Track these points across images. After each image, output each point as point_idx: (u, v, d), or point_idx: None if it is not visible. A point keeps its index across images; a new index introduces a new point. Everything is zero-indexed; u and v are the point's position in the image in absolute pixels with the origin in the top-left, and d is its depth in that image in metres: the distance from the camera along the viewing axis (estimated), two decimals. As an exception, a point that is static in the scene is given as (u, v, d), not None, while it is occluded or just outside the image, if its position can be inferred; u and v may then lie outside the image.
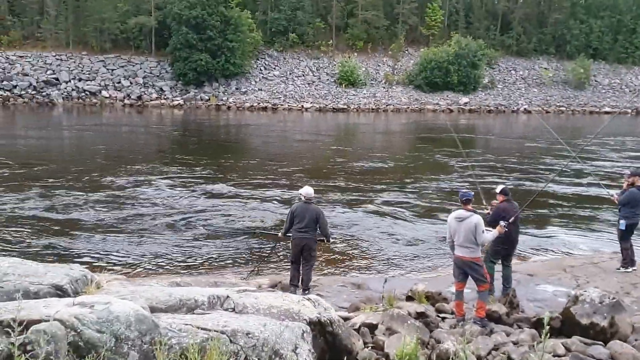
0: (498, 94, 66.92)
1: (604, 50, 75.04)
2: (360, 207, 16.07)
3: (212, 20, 56.89)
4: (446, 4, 75.37)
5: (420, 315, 7.83)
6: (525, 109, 63.68)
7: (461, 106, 61.77)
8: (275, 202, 16.24)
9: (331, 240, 9.36)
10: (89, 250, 11.35)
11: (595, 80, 72.27)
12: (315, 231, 8.75)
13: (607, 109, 65.88)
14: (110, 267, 10.33)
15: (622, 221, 9.84)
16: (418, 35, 72.68)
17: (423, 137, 37.53)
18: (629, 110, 66.30)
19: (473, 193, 7.97)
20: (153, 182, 18.32)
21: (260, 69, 63.14)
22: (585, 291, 7.79)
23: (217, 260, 11.12)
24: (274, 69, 63.76)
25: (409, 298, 9.04)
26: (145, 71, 58.18)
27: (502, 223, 8.11)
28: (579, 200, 17.82)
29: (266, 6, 68.06)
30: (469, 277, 7.82)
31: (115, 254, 11.21)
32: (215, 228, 13.33)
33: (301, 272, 8.82)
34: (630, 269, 9.98)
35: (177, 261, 10.97)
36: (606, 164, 25.59)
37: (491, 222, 8.34)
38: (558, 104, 66.47)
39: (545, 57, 74.78)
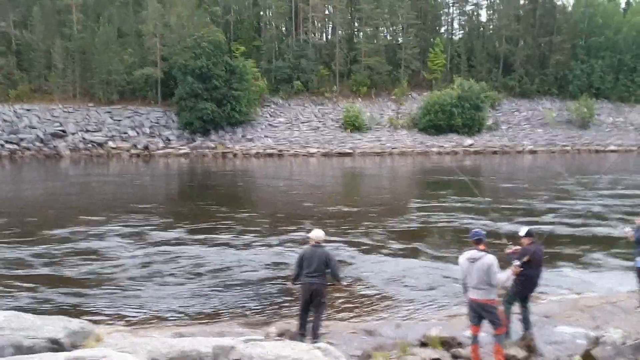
0: (502, 134, 67.08)
1: (606, 89, 75.50)
2: (369, 250, 15.82)
3: (217, 70, 57.80)
4: (448, 48, 76.43)
5: (435, 363, 7.53)
6: (530, 149, 63.71)
7: (466, 148, 61.86)
8: (283, 248, 16.00)
9: (344, 282, 9.06)
10: (90, 301, 11.09)
11: (599, 119, 72.45)
12: (325, 276, 8.46)
13: (612, 147, 65.85)
14: (112, 319, 10.05)
15: (638, 259, 9.54)
16: (421, 79, 73.49)
17: (431, 180, 37.46)
18: (634, 148, 66.21)
19: (485, 232, 7.74)
20: (156, 231, 18.12)
21: (266, 116, 63.74)
22: (607, 332, 7.48)
23: (224, 309, 10.83)
24: (280, 115, 64.37)
25: (423, 344, 8.72)
26: (151, 121, 58.78)
27: (515, 262, 7.85)
28: (589, 239, 17.48)
29: (270, 55, 69.27)
30: (485, 320, 7.53)
31: (118, 305, 10.94)
32: (222, 276, 13.06)
33: (310, 319, 8.52)
34: (650, 309, 9.64)
35: (182, 311, 10.67)
36: (617, 202, 25.30)
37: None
38: (563, 144, 66.49)
39: (548, 97, 75.25)
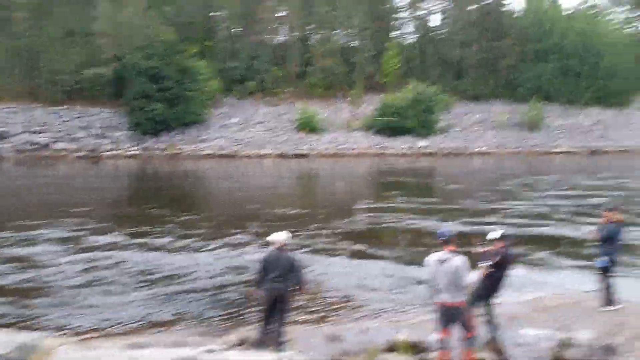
0: (455, 136, 67.96)
1: (554, 92, 77.45)
2: (320, 252, 15.48)
3: (169, 70, 56.58)
4: (402, 51, 77.01)
5: (405, 369, 7.21)
6: (482, 151, 64.77)
7: (420, 150, 62.40)
8: (229, 251, 15.48)
9: (308, 288, 8.67)
10: (33, 312, 10.35)
11: (548, 122, 74.23)
12: (290, 280, 8.06)
13: (560, 149, 67.65)
14: (59, 330, 9.36)
15: (602, 259, 9.49)
16: (375, 82, 73.79)
17: (385, 181, 37.52)
18: (582, 150, 68.18)
19: (452, 231, 7.49)
20: (97, 235, 17.26)
21: (219, 117, 62.75)
22: (577, 334, 7.32)
23: (178, 317, 10.29)
24: (233, 116, 63.46)
25: (390, 349, 8.42)
26: (100, 122, 56.96)
27: (485, 264, 7.62)
28: (535, 239, 17.58)
29: (224, 55, 68.25)
30: (454, 323, 7.26)
31: (63, 315, 10.25)
32: (171, 283, 12.46)
33: (273, 326, 8.09)
34: (613, 308, 9.59)
35: (132, 320, 10.07)
36: (560, 202, 25.78)
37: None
38: (513, 146, 67.86)
39: (499, 100, 76.67)
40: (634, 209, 22.65)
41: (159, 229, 18.47)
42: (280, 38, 78.39)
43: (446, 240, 7.16)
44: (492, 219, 20.69)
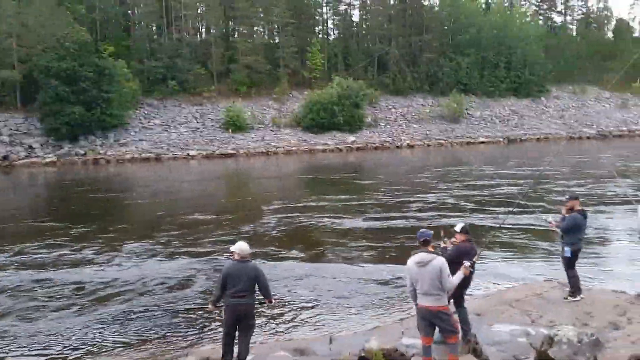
0: (382, 131, 68.56)
1: (472, 85, 79.78)
2: (284, 258, 14.80)
3: (84, 72, 53.64)
4: (325, 47, 77.08)
5: (385, 381, 6.62)
6: (408, 144, 65.64)
7: (349, 145, 62.44)
8: (185, 263, 14.51)
9: (274, 301, 7.90)
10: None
11: (469, 114, 76.30)
12: (254, 294, 7.30)
13: (482, 139, 69.59)
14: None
15: (566, 248, 9.28)
16: (300, 78, 73.42)
17: (312, 178, 37.05)
18: (501, 140, 70.45)
19: (432, 232, 6.98)
20: (31, 253, 15.79)
21: (140, 119, 60.37)
22: (559, 330, 6.98)
23: (131, 340, 9.30)
24: (155, 117, 61.25)
25: (362, 359, 7.83)
26: (11, 128, 53.40)
27: (466, 263, 7.15)
28: (499, 230, 17.62)
29: (142, 55, 65.82)
30: (436, 328, 6.75)
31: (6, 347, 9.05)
32: (118, 301, 11.38)
33: (237, 344, 7.30)
34: (578, 298, 9.42)
35: (82, 343, 9.04)
36: (470, 192, 26.18)
37: (450, 263, 7.31)
38: (437, 138, 69.16)
39: (421, 94, 78.18)
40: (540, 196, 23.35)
41: (58, 243, 17.10)
42: (202, 36, 76.81)
43: (426, 241, 6.63)
44: (400, 212, 20.74)
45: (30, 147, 52.46)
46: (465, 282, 7.85)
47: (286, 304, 10.97)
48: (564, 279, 10.00)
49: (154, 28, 73.83)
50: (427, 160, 48.78)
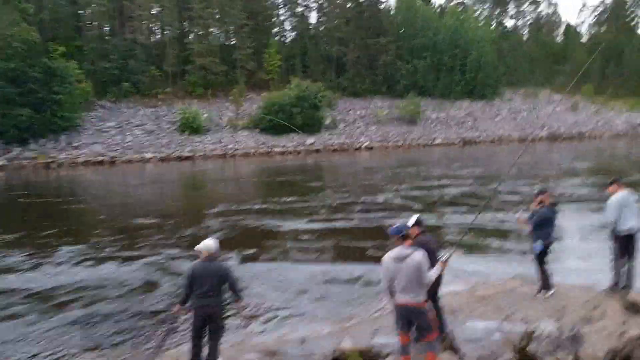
0: (341, 133, 68.61)
1: (429, 87, 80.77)
2: (250, 258, 14.45)
3: (33, 72, 51.80)
4: (282, 49, 76.76)
5: (362, 383, 6.38)
6: (366, 146, 65.90)
7: (307, 147, 62.28)
8: (144, 265, 13.98)
9: (244, 298, 7.57)
10: None
11: (425, 116, 77.14)
12: (222, 294, 6.95)
13: (438, 141, 70.49)
14: None
15: (537, 243, 9.23)
16: (258, 79, 72.85)
17: (266, 181, 36.57)
18: (457, 142, 71.49)
19: (408, 226, 6.78)
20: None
21: (93, 121, 58.69)
22: (539, 325, 6.89)
23: (97, 345, 8.83)
24: (109, 120, 59.65)
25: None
26: (-47, 131, 51.25)
27: (443, 257, 6.98)
28: (469, 229, 17.66)
29: (95, 56, 64.08)
30: (414, 326, 6.55)
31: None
32: (82, 307, 10.81)
33: (205, 347, 6.96)
34: (549, 293, 9.39)
35: (43, 350, 8.51)
36: (427, 192, 26.39)
37: None
38: (395, 140, 69.68)
39: (378, 96, 78.66)
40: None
41: (52, 245, 16.40)
42: (156, 37, 75.49)
43: (404, 236, 6.42)
44: (344, 213, 20.64)
45: (-24, 150, 50.43)
46: (439, 278, 7.68)
47: (253, 304, 10.64)
48: (533, 276, 9.97)
49: (106, 29, 72.13)
50: (383, 162, 48.89)
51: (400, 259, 6.29)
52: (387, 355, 7.39)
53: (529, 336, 6.68)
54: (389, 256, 6.41)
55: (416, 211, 20.32)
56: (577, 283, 10.46)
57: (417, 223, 7.40)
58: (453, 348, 7.42)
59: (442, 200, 23.72)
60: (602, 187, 12.89)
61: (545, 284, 9.39)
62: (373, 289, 11.47)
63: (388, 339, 8.12)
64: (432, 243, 7.42)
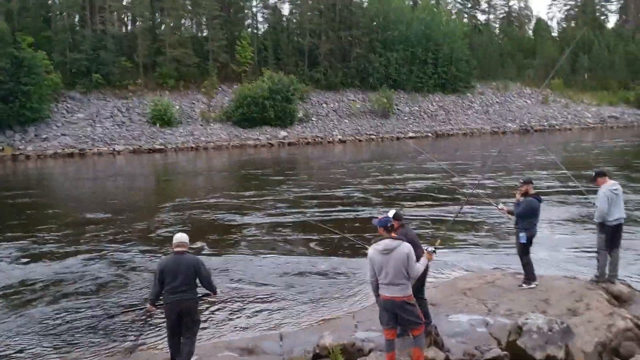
0: (314, 126, 68.38)
1: (402, 80, 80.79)
2: (221, 249, 14.14)
3: (1, 63, 50.56)
4: (255, 41, 76.03)
5: (347, 380, 6.17)
6: (339, 139, 65.78)
7: (281, 140, 61.94)
8: (113, 261, 13.59)
9: (218, 292, 7.33)
10: None
11: (398, 109, 77.27)
12: (195, 288, 6.74)
13: (411, 134, 70.69)
14: None
15: (522, 234, 9.13)
16: (230, 72, 72.06)
17: (232, 174, 36.16)
18: (429, 134, 71.81)
19: (391, 217, 6.60)
20: None
21: (63, 113, 57.55)
22: (528, 318, 6.78)
23: (64, 345, 8.46)
24: (78, 111, 58.54)
25: (317, 356, 7.36)
26: None
27: (429, 248, 6.81)
28: (434, 218, 17.61)
29: (64, 47, 62.68)
30: (399, 320, 6.37)
31: None
32: (46, 305, 10.38)
33: (181, 344, 6.70)
34: (533, 285, 9.31)
35: (5, 349, 8.13)
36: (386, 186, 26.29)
37: None
38: (368, 133, 69.74)
39: (351, 89, 78.46)
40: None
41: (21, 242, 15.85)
42: (127, 28, 74.14)
43: (390, 227, 6.24)
44: (299, 208, 20.47)
45: (-60, 142, 49.02)
46: (425, 270, 7.51)
47: (227, 298, 10.37)
48: (514, 267, 9.91)
49: (76, 19, 70.61)
50: (354, 155, 48.67)
51: (388, 250, 6.11)
52: (370, 351, 7.20)
53: (518, 330, 6.55)
54: (375, 248, 6.22)
55: (375, 205, 20.23)
56: (559, 274, 10.46)
57: (396, 217, 7.23)
58: (437, 343, 7.26)
59: (403, 195, 23.31)
60: (587, 179, 12.87)
61: (529, 275, 9.31)
62: (345, 282, 11.32)
63: (370, 333, 7.95)
64: (413, 235, 7.28)
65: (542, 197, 9.69)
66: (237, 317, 9.53)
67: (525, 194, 9.19)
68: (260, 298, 10.51)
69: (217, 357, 7.45)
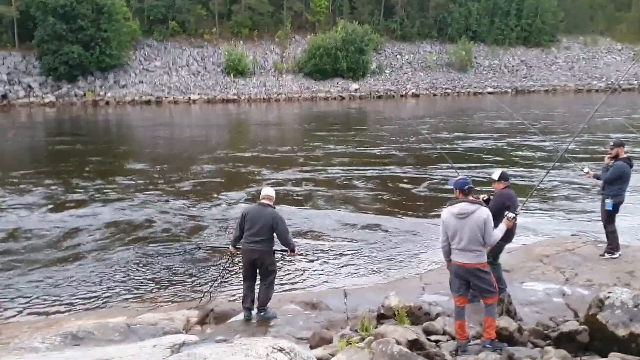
0: (386, 79, 67.00)
1: (482, 32, 77.49)
2: (301, 202, 14.17)
3: (82, 9, 51.98)
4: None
5: (414, 345, 5.89)
6: (413, 93, 64.24)
7: (352, 93, 61.10)
8: (196, 207, 13.85)
9: (297, 251, 7.31)
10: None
11: (477, 62, 74.45)
12: (272, 241, 6.81)
13: (489, 90, 68.09)
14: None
15: (608, 200, 8.46)
16: (304, 21, 71.25)
17: (310, 127, 35.67)
18: (509, 90, 68.94)
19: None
20: (30, 200, 14.97)
21: (140, 60, 58.84)
22: (611, 292, 6.26)
23: (137, 290, 8.65)
24: (155, 59, 59.70)
25: (382, 316, 7.13)
26: (8, 67, 52.18)
27: (509, 214, 6.36)
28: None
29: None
30: (472, 288, 6.03)
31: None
32: (131, 248, 10.66)
33: (257, 289, 6.97)
34: (616, 255, 8.69)
35: (79, 297, 8.38)
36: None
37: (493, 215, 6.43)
38: (444, 87, 67.74)
39: (428, 41, 76.03)
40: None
41: (109, 186, 16.48)
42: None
43: (467, 190, 5.84)
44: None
45: (29, 86, 51.38)
46: (508, 236, 7.07)
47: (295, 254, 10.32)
48: (596, 235, 9.27)
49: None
50: (428, 110, 47.03)
51: (464, 215, 5.72)
52: (438, 315, 6.91)
53: (599, 303, 6.05)
54: (450, 211, 5.84)
55: (409, 165, 19.40)
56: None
57: (502, 178, 7.11)
58: (510, 312, 6.87)
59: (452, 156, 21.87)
60: None
61: (613, 244, 8.68)
62: (413, 243, 10.96)
63: (438, 297, 7.69)
64: (514, 198, 7.04)
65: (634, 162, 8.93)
66: (303, 272, 9.44)
67: (616, 158, 8.48)
68: (324, 254, 10.36)
69: (282, 309, 7.39)
